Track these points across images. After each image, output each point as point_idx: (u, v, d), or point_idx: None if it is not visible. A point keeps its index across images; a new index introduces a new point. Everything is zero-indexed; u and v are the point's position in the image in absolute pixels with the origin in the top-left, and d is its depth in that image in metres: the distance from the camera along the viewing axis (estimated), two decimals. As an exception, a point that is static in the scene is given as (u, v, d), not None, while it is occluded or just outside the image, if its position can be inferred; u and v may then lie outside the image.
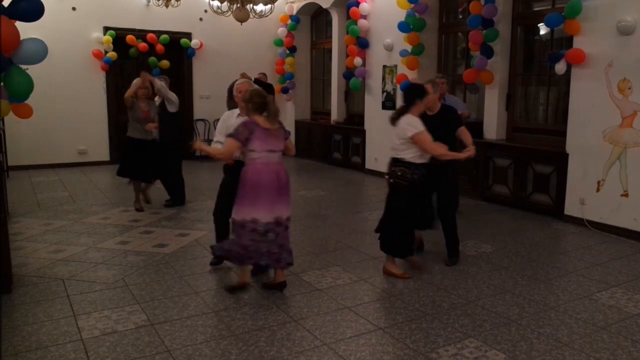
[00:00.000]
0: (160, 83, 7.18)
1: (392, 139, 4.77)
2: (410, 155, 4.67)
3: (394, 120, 4.79)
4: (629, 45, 5.93)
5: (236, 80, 10.78)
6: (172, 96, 7.30)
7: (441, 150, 4.65)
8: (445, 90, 6.66)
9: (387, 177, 4.86)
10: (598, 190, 6.40)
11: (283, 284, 4.50)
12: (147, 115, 7.06)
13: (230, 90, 10.33)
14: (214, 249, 4.64)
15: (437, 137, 4.76)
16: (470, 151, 4.89)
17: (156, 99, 7.56)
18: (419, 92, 4.77)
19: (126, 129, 10.02)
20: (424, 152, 4.67)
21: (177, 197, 7.63)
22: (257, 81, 8.46)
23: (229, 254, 4.43)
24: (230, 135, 4.26)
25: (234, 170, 4.75)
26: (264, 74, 10.87)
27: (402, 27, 8.83)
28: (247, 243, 4.28)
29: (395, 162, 4.75)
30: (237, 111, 4.90)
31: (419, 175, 4.72)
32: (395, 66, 9.49)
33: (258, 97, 4.31)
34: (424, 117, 5.01)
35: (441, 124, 5.07)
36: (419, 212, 4.93)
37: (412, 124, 4.63)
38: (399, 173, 4.71)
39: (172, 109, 7.35)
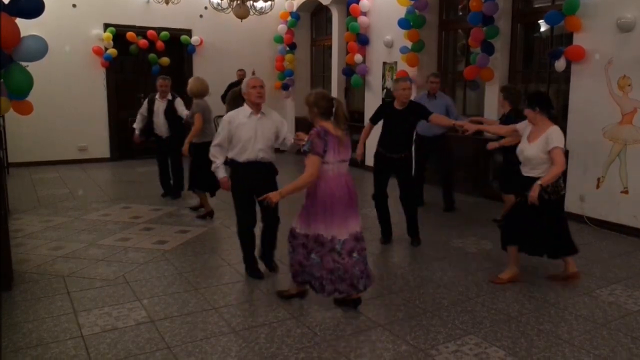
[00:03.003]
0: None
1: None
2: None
3: None
4: (629, 42, 5.92)
5: (235, 81, 10.81)
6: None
7: None
8: (437, 89, 6.93)
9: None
10: (598, 187, 6.40)
11: (358, 301, 4.10)
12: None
13: (230, 89, 10.35)
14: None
15: (402, 129, 5.55)
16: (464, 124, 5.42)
17: (158, 97, 7.66)
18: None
19: (126, 127, 10.09)
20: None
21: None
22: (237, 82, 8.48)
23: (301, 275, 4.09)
24: (307, 152, 3.81)
25: (239, 172, 4.59)
26: (243, 71, 10.87)
27: (402, 23, 8.82)
28: (303, 260, 4.00)
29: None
30: (245, 110, 4.56)
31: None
32: (396, 63, 9.48)
33: (325, 100, 3.91)
34: (393, 110, 5.64)
35: (407, 118, 5.56)
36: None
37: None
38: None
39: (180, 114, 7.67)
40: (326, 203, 3.86)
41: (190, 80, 6.90)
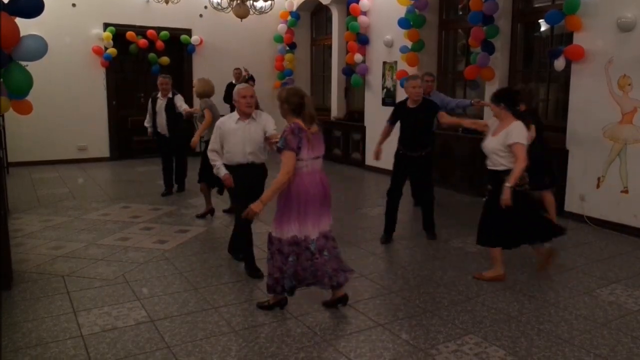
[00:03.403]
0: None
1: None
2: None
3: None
4: (629, 41, 5.91)
5: (232, 81, 10.78)
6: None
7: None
8: (432, 87, 7.00)
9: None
10: (598, 186, 6.40)
11: (344, 299, 4.09)
12: None
13: (228, 90, 10.35)
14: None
15: (417, 127, 5.50)
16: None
17: (159, 95, 7.73)
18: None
19: (127, 126, 10.09)
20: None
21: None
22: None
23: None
24: (282, 148, 3.74)
25: (233, 175, 4.70)
26: (239, 70, 10.85)
27: (402, 23, 8.82)
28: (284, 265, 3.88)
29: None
30: (235, 116, 4.74)
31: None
32: (396, 62, 9.47)
33: (296, 97, 3.83)
34: (406, 109, 5.64)
35: (420, 116, 5.57)
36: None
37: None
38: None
39: (179, 109, 7.79)
40: (300, 201, 3.80)
41: (196, 81, 7.03)
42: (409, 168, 5.73)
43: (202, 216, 6.74)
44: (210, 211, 6.78)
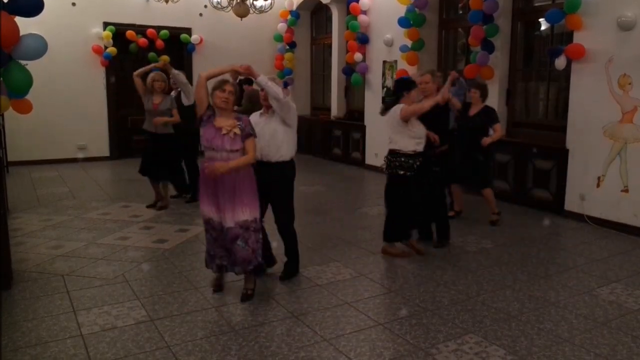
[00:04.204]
0: (176, 72, 7.18)
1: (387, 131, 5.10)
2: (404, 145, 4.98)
3: (384, 112, 5.12)
4: (630, 40, 5.91)
5: (240, 78, 10.65)
6: (188, 86, 7.29)
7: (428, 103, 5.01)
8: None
9: (385, 169, 5.13)
10: (598, 186, 6.39)
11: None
12: (156, 108, 6.87)
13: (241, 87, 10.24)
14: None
15: (430, 123, 5.26)
16: None
17: (173, 92, 7.56)
18: (407, 85, 5.10)
19: (126, 125, 9.91)
20: (416, 116, 4.98)
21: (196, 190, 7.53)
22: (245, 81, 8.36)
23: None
24: (251, 134, 4.10)
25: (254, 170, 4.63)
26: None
27: (402, 22, 8.82)
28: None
29: (393, 154, 5.02)
30: (258, 112, 4.68)
31: (416, 165, 5.01)
32: (396, 62, 9.47)
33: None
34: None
35: (433, 111, 5.31)
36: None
37: (398, 106, 4.95)
38: (397, 164, 4.98)
39: (186, 101, 7.23)
40: (256, 187, 4.21)
41: (163, 75, 7.05)
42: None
43: (160, 208, 7.08)
44: (162, 202, 7.17)
